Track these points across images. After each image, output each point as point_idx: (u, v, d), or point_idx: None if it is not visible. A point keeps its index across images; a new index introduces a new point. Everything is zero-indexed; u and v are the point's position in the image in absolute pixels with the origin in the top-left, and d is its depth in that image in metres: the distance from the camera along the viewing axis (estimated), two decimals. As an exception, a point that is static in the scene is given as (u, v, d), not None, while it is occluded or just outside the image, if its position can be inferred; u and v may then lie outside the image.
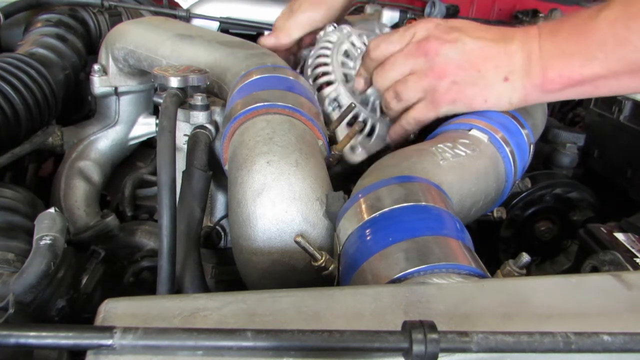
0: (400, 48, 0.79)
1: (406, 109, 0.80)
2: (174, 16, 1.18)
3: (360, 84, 0.88)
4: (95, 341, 0.34)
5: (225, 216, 0.86)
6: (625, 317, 0.42)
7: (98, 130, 1.05)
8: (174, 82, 0.73)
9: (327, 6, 1.01)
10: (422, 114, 0.79)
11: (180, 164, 0.72)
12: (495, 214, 0.77)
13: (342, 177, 0.85)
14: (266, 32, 1.28)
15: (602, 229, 0.79)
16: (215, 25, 1.23)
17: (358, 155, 0.86)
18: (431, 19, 0.82)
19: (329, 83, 0.90)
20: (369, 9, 1.44)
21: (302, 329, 0.35)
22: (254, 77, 0.77)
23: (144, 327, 0.34)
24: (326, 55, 0.93)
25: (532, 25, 0.74)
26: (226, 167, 0.71)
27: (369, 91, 0.90)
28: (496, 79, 0.73)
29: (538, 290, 0.44)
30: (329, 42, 0.95)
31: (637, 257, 0.71)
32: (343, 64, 0.93)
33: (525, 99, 0.74)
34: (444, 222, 0.54)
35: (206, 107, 0.77)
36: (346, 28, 0.97)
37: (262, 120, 0.67)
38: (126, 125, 1.07)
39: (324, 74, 0.91)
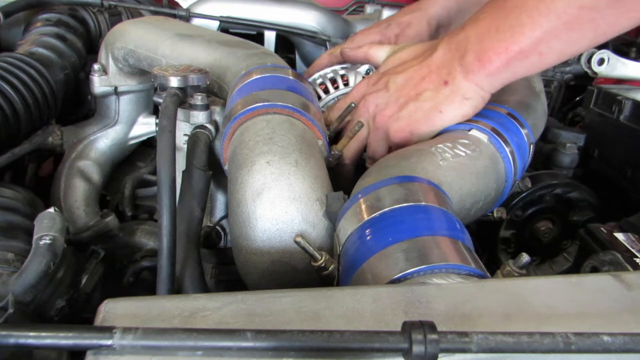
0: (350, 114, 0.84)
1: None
2: (174, 16, 1.18)
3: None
4: (95, 341, 0.34)
5: (225, 216, 0.86)
6: (625, 317, 0.42)
7: (98, 129, 1.05)
8: (174, 82, 0.73)
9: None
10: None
11: (180, 164, 0.72)
12: (495, 214, 0.77)
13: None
14: (267, 32, 1.28)
15: (602, 229, 0.79)
16: (215, 24, 1.23)
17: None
18: (364, 78, 0.87)
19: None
20: (368, 8, 1.45)
21: (302, 329, 0.35)
22: (254, 77, 0.77)
23: (144, 328, 0.34)
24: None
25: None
26: (226, 167, 0.71)
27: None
28: (436, 89, 0.74)
29: (538, 290, 0.44)
30: None
31: (637, 257, 0.71)
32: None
33: (477, 88, 0.72)
34: (444, 223, 0.54)
35: (206, 107, 0.77)
36: None
37: (262, 120, 0.67)
38: (126, 125, 1.07)
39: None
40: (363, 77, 0.94)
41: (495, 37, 0.67)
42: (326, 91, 0.94)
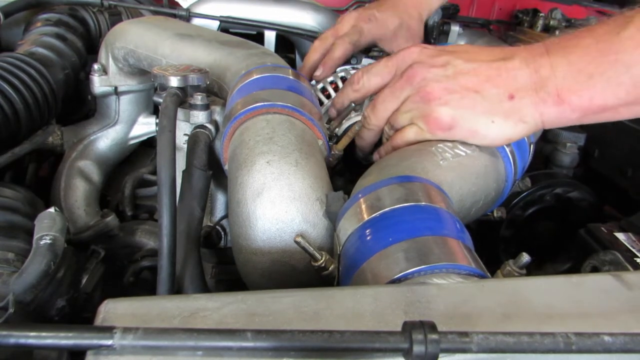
0: (384, 81, 0.76)
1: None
2: (174, 15, 1.18)
3: (332, 112, 0.86)
4: (95, 341, 0.34)
5: (226, 216, 0.86)
6: (626, 317, 0.42)
7: (98, 129, 1.05)
8: (174, 82, 0.73)
9: None
10: (412, 138, 0.71)
11: (180, 164, 0.72)
12: (495, 214, 0.77)
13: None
14: (267, 32, 1.28)
15: (602, 228, 0.79)
16: (215, 24, 1.23)
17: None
18: (417, 44, 0.76)
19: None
20: (369, 8, 1.44)
21: (302, 329, 0.35)
22: (254, 77, 0.77)
23: (144, 327, 0.34)
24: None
25: (535, 43, 0.68)
26: (226, 167, 0.71)
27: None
28: (499, 98, 0.65)
29: (538, 290, 0.44)
30: None
31: (637, 256, 0.71)
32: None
33: (539, 119, 0.65)
34: (444, 222, 0.54)
35: (206, 107, 0.77)
36: None
37: (262, 120, 0.67)
38: (126, 124, 1.07)
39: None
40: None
41: (585, 83, 0.61)
42: (337, 90, 0.94)
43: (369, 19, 0.99)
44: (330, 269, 0.56)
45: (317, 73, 0.93)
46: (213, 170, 0.75)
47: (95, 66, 1.01)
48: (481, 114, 0.66)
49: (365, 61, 1.01)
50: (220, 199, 0.86)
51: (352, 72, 0.96)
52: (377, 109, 0.75)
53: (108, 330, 0.34)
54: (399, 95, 0.72)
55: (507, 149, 0.74)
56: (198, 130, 0.77)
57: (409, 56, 0.74)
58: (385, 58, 0.78)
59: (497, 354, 0.35)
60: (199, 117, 0.77)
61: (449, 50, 0.72)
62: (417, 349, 0.34)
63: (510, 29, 1.59)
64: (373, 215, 0.56)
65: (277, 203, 0.60)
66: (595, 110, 0.63)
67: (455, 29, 1.31)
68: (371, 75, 0.78)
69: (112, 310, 0.39)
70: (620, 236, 0.77)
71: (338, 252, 0.57)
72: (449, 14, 1.37)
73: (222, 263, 0.86)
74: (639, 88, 0.59)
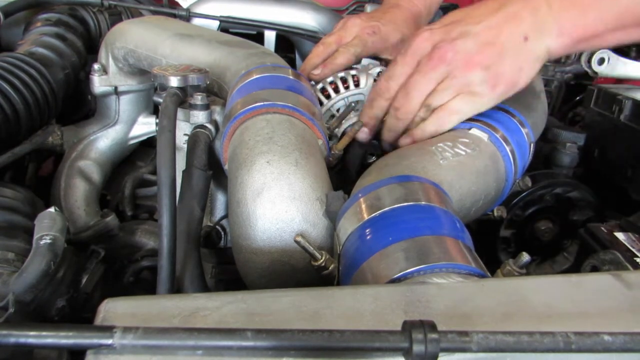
0: (412, 69, 0.75)
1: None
2: (174, 15, 1.18)
3: (366, 131, 0.82)
4: (95, 341, 0.34)
5: (225, 216, 0.86)
6: (626, 316, 0.42)
7: (98, 129, 1.05)
8: (174, 82, 0.73)
9: None
10: (460, 107, 0.73)
11: (180, 164, 0.72)
12: (495, 213, 0.77)
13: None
14: (267, 32, 1.28)
15: (602, 228, 0.79)
16: (215, 24, 1.23)
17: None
18: (422, 29, 0.77)
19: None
20: (369, 8, 1.45)
21: (302, 329, 0.35)
22: (254, 77, 0.77)
23: (144, 327, 0.34)
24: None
25: None
26: (226, 167, 0.71)
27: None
28: (517, 42, 0.71)
29: (538, 290, 0.44)
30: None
31: (637, 256, 0.71)
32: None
33: (546, 52, 0.72)
34: (444, 222, 0.54)
35: (206, 107, 0.77)
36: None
37: (261, 120, 0.67)
38: (126, 124, 1.07)
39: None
40: (375, 80, 0.91)
41: (579, 14, 0.69)
42: (336, 90, 0.94)
43: (373, 32, 0.99)
44: (330, 268, 0.56)
45: (316, 72, 0.93)
46: (213, 170, 0.75)
47: (95, 66, 1.01)
48: (512, 64, 0.71)
49: (365, 61, 1.00)
50: (220, 199, 0.86)
51: (352, 72, 0.95)
52: (410, 95, 0.75)
53: (108, 329, 0.34)
54: (433, 76, 0.73)
55: (507, 148, 0.74)
56: (198, 130, 0.77)
57: (423, 42, 0.75)
58: (399, 56, 0.78)
59: (497, 353, 0.35)
60: (199, 117, 0.77)
61: (453, 21, 0.74)
62: (417, 348, 0.34)
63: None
64: (373, 214, 0.56)
65: (277, 203, 0.60)
66: (587, 38, 0.71)
67: None
68: (396, 78, 0.78)
69: (112, 309, 0.39)
70: (620, 236, 0.77)
71: (338, 251, 0.57)
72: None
73: (222, 263, 0.86)
74: (624, 15, 0.68)
